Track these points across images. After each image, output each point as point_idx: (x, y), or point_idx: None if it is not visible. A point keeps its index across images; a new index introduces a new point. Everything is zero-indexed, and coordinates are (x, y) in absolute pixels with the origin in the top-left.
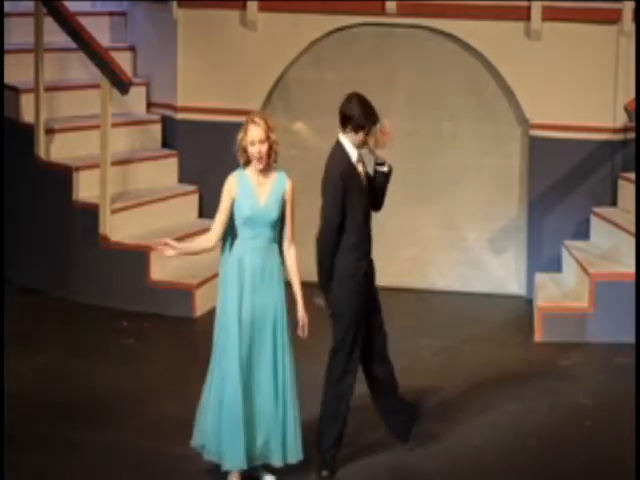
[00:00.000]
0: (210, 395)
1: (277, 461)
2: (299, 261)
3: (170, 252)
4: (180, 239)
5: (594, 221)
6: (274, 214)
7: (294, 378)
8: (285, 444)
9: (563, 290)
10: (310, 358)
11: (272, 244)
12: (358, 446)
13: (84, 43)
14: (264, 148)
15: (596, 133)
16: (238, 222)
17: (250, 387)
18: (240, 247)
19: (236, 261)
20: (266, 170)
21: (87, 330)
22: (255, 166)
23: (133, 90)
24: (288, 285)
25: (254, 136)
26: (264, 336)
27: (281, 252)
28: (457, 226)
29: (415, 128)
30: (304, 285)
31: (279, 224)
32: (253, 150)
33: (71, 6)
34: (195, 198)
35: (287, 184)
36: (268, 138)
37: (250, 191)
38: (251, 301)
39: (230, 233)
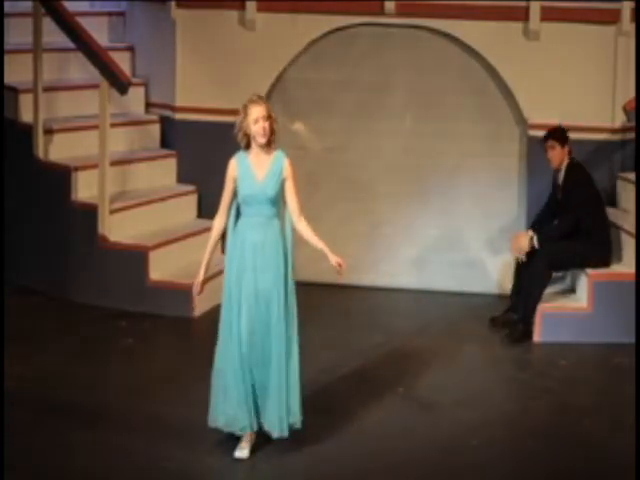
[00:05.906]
0: (217, 373)
1: (274, 431)
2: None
3: (199, 288)
4: (179, 239)
5: None
6: (272, 191)
7: (294, 353)
8: (279, 414)
9: (563, 290)
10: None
11: (272, 220)
12: (354, 445)
13: (83, 43)
14: (267, 124)
15: (595, 133)
16: (240, 201)
17: (252, 360)
18: (241, 224)
19: (238, 238)
20: (267, 147)
21: (87, 330)
22: (258, 142)
23: (132, 90)
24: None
25: (257, 113)
26: (264, 310)
27: (285, 228)
28: (456, 226)
29: (414, 128)
30: (309, 286)
31: (279, 201)
32: (257, 127)
33: (70, 6)
34: (194, 198)
35: (285, 161)
36: (270, 116)
37: (249, 171)
38: (253, 277)
39: (235, 214)
